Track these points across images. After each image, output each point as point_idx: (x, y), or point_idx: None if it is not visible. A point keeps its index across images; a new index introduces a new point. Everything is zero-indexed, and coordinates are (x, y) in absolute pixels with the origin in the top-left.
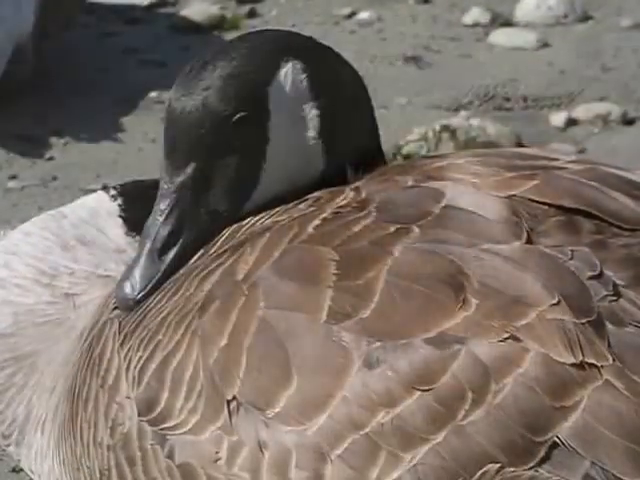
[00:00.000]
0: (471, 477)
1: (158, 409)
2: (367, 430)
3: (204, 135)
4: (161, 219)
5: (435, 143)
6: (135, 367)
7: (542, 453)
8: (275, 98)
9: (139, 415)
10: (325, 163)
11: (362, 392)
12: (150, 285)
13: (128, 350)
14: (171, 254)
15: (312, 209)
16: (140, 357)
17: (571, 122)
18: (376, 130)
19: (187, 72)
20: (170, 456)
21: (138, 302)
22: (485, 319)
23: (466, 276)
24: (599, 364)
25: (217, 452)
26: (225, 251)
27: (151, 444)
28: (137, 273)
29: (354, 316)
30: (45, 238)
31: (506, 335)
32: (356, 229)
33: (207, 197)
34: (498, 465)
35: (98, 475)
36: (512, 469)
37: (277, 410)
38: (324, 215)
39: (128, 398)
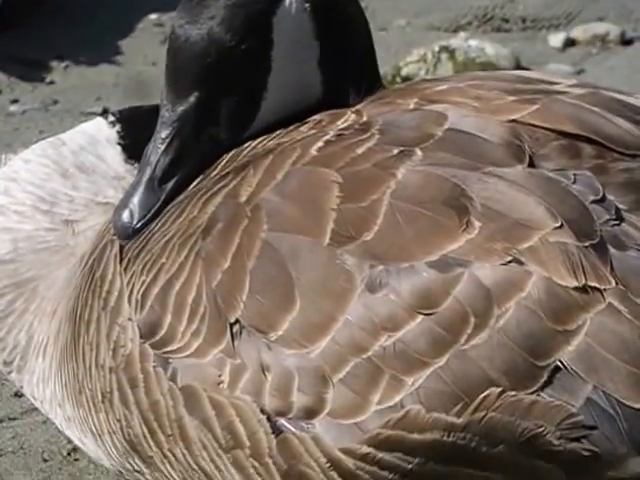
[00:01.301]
0: (472, 401)
1: (161, 332)
2: (369, 354)
3: (208, 65)
4: (162, 147)
5: (434, 64)
6: (138, 291)
7: (544, 377)
8: (278, 28)
9: (141, 338)
10: (324, 91)
11: (365, 315)
12: (149, 214)
13: (132, 275)
14: (171, 183)
15: (314, 131)
16: (143, 281)
17: (569, 43)
18: (374, 56)
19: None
20: (173, 379)
21: (137, 231)
22: (488, 242)
23: (469, 199)
24: (602, 287)
25: (220, 375)
26: (228, 173)
27: (153, 366)
28: (136, 201)
29: (357, 239)
30: (44, 165)
31: (509, 258)
32: (359, 151)
33: (209, 126)
34: (500, 389)
35: (100, 397)
36: (514, 393)
37: (280, 333)
38: (327, 137)
39: (130, 320)
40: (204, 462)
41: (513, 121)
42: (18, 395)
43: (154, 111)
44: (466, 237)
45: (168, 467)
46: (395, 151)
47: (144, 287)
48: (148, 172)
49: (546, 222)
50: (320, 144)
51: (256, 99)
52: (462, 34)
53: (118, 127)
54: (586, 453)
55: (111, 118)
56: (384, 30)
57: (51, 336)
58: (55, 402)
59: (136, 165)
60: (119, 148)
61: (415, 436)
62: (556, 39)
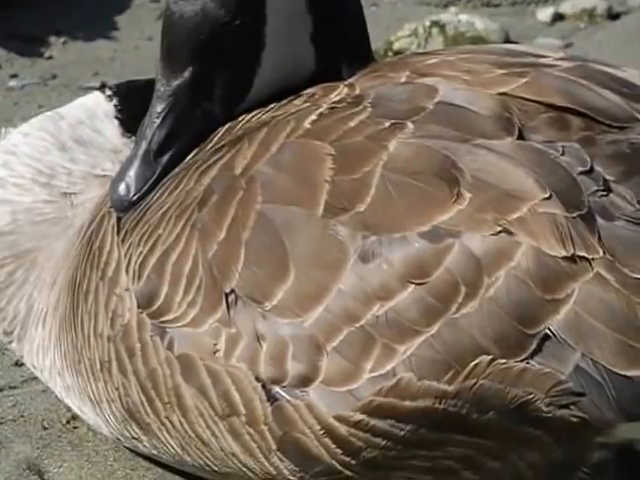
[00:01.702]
0: (463, 369)
1: (158, 302)
2: (362, 322)
3: (203, 40)
4: (158, 121)
5: (425, 38)
6: (136, 262)
7: (534, 345)
8: (271, 3)
9: (139, 308)
10: (317, 65)
11: (357, 285)
12: (145, 187)
13: (129, 246)
14: (167, 156)
15: (307, 104)
16: (140, 252)
17: (558, 17)
18: (366, 31)
19: None
20: (169, 348)
21: (133, 203)
22: (478, 213)
23: (460, 170)
24: (590, 257)
25: (215, 344)
26: (223, 146)
27: (151, 335)
28: (132, 174)
29: (350, 210)
30: (43, 139)
31: (499, 229)
32: (352, 124)
33: (203, 100)
34: (490, 357)
35: (98, 366)
36: (504, 361)
37: (274, 303)
38: (320, 110)
39: (128, 290)
40: (200, 429)
41: (503, 94)
42: (18, 364)
43: (150, 85)
44: (457, 208)
45: (165, 434)
46: (387, 124)
47: (141, 258)
48: (144, 146)
49: (535, 193)
50: (313, 117)
51: (250, 74)
52: (452, 9)
53: (115, 101)
54: (575, 419)
55: (108, 92)
56: (376, 5)
57: (50, 306)
58: (54, 371)
59: (133, 138)
60: (116, 122)
61: (407, 403)
62: (544, 14)
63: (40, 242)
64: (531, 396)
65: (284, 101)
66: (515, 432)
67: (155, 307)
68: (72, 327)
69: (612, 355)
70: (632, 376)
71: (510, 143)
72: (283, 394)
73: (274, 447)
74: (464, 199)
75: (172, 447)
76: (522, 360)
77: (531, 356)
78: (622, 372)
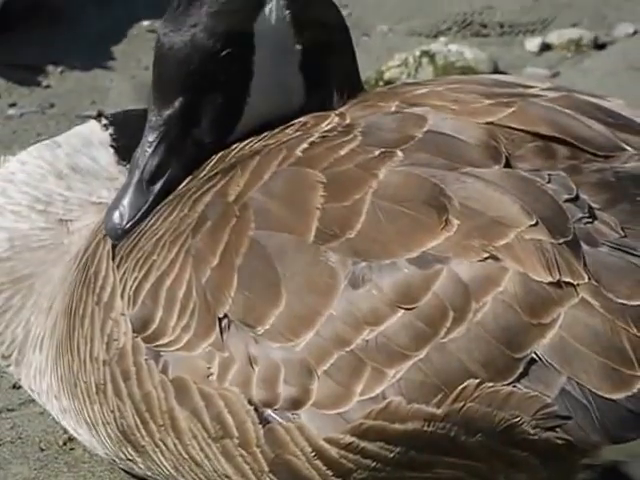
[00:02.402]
0: (451, 392)
1: (152, 327)
2: (352, 347)
3: (192, 71)
4: (150, 150)
5: (415, 68)
6: (131, 287)
7: (520, 369)
8: (260, 34)
9: (134, 332)
10: (307, 95)
11: (348, 310)
12: (138, 214)
13: (124, 272)
14: (159, 184)
15: (299, 133)
16: (135, 277)
17: (545, 47)
18: (355, 61)
19: (175, 8)
20: (164, 371)
21: (126, 231)
22: (466, 239)
23: (448, 198)
24: (575, 282)
25: (209, 367)
26: (216, 174)
27: (145, 359)
28: (126, 202)
29: (340, 237)
30: (40, 167)
31: (486, 255)
32: (342, 152)
33: (194, 129)
34: (478, 380)
35: (94, 389)
36: (491, 384)
37: (266, 327)
38: (311, 139)
39: (123, 315)
40: (194, 451)
41: (490, 123)
42: (16, 387)
43: (145, 115)
44: (445, 235)
45: (160, 456)
46: (377, 152)
47: (136, 283)
48: (137, 174)
49: (521, 220)
50: (305, 145)
51: (239, 103)
52: (442, 39)
53: (111, 130)
54: (561, 442)
55: (104, 121)
56: (367, 35)
57: (47, 330)
58: (51, 394)
59: (128, 166)
60: (112, 150)
61: (396, 426)
62: (532, 44)
63: (37, 268)
64: (518, 419)
65: (276, 130)
66: (503, 454)
67: (150, 331)
68: (68, 351)
69: (597, 379)
70: (617, 399)
71: (497, 171)
72: (275, 417)
73: (266, 469)
74: (452, 226)
75: (166, 469)
76: (509, 384)
77: (518, 380)
78: (607, 395)
